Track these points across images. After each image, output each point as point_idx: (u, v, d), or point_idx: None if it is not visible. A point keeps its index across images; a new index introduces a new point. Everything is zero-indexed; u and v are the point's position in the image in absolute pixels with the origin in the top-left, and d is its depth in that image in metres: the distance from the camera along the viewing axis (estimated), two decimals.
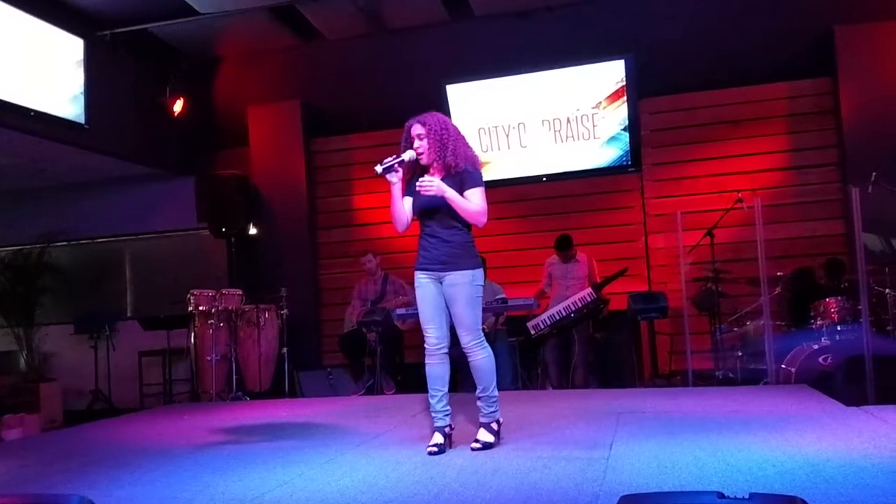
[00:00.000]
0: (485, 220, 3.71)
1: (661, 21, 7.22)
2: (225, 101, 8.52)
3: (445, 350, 3.73)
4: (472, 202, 3.65)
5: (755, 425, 3.85)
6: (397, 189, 3.71)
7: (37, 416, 6.77)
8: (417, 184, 3.62)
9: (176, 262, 9.04)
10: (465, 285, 3.65)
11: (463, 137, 3.81)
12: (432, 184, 3.57)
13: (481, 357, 3.68)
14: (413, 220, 3.81)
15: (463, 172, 3.68)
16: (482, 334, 3.72)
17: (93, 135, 7.30)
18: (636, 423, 4.10)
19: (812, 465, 2.96)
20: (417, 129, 3.73)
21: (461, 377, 5.21)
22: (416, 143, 3.71)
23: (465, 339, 3.67)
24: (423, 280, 3.75)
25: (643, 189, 7.67)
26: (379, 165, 3.65)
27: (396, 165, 3.67)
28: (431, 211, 3.69)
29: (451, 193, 3.61)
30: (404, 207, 3.76)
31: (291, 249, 8.28)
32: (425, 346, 3.74)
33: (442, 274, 3.69)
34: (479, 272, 3.74)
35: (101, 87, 7.32)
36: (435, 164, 3.74)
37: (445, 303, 3.71)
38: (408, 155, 3.71)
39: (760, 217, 5.96)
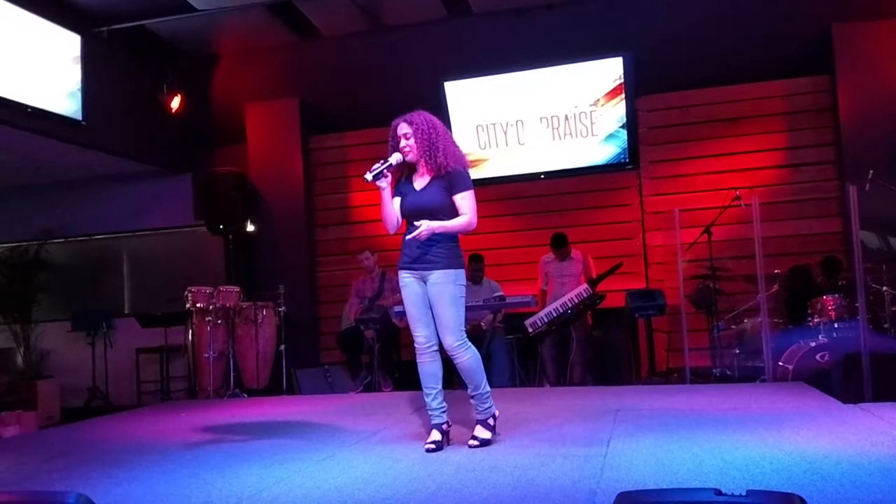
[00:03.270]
0: (475, 225, 3.71)
1: (659, 18, 7.22)
2: (222, 98, 8.50)
3: (436, 348, 3.73)
4: (461, 215, 3.66)
5: (752, 423, 3.86)
6: (387, 193, 3.71)
7: (34, 414, 6.77)
8: (407, 238, 3.65)
9: (173, 260, 9.02)
10: (448, 284, 3.64)
11: (451, 136, 3.80)
12: (420, 233, 3.56)
13: (466, 358, 3.66)
14: (403, 220, 3.80)
15: (453, 174, 3.67)
16: (465, 335, 3.68)
17: (90, 131, 7.28)
18: (633, 421, 4.10)
19: (809, 462, 2.96)
20: (404, 128, 3.70)
21: (456, 374, 5.20)
22: (403, 143, 3.69)
23: (449, 341, 3.64)
24: (407, 279, 3.74)
25: (641, 186, 7.67)
26: (368, 173, 3.64)
27: (386, 171, 3.66)
28: (418, 212, 3.68)
29: (440, 229, 3.60)
30: (394, 209, 3.76)
31: (289, 247, 8.27)
32: (415, 345, 3.74)
33: (426, 273, 3.68)
34: (462, 272, 3.72)
35: (99, 84, 7.30)
36: (422, 163, 3.72)
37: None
38: (394, 158, 3.69)
39: (758, 215, 5.96)
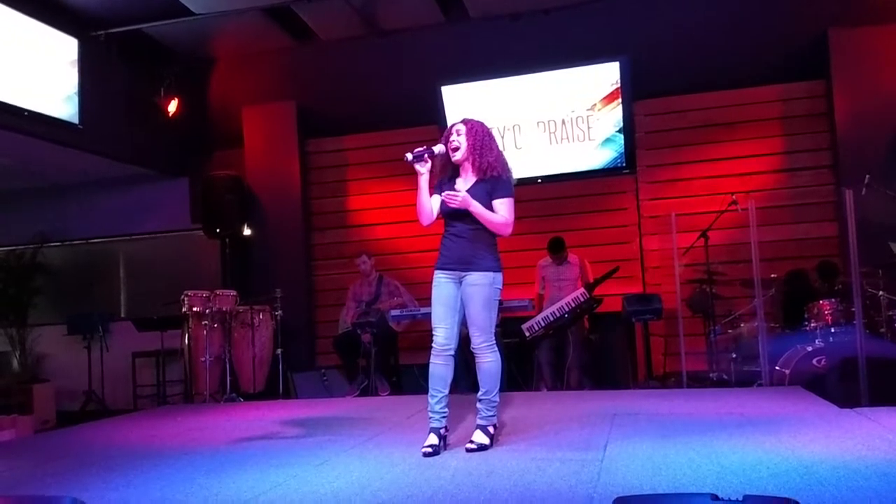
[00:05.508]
0: (510, 231, 3.75)
1: (656, 23, 7.23)
2: (219, 101, 8.50)
3: (452, 352, 3.73)
4: (499, 214, 3.69)
5: (749, 427, 3.86)
6: (424, 180, 3.72)
7: (30, 418, 6.73)
8: (443, 196, 3.67)
9: (170, 263, 9.01)
10: (485, 286, 3.67)
11: (501, 148, 3.87)
12: (458, 197, 3.60)
13: (490, 360, 3.69)
14: (438, 218, 3.81)
15: (497, 179, 3.72)
16: (494, 338, 3.72)
17: (87, 135, 7.27)
18: (630, 425, 4.10)
19: (805, 466, 2.96)
20: (458, 125, 3.78)
21: (458, 378, 5.19)
22: (453, 137, 3.75)
23: (477, 340, 3.68)
24: (442, 279, 3.75)
25: (637, 191, 7.68)
26: (409, 154, 3.68)
27: (427, 156, 3.69)
28: (458, 212, 3.68)
29: (476, 207, 3.63)
30: (430, 203, 3.77)
31: (286, 250, 8.27)
32: (433, 345, 3.74)
33: (463, 274, 3.70)
34: (500, 276, 3.75)
35: (95, 88, 7.29)
36: (468, 164, 3.76)
37: (462, 303, 3.71)
38: (438, 148, 3.75)
39: (754, 219, 5.97)
